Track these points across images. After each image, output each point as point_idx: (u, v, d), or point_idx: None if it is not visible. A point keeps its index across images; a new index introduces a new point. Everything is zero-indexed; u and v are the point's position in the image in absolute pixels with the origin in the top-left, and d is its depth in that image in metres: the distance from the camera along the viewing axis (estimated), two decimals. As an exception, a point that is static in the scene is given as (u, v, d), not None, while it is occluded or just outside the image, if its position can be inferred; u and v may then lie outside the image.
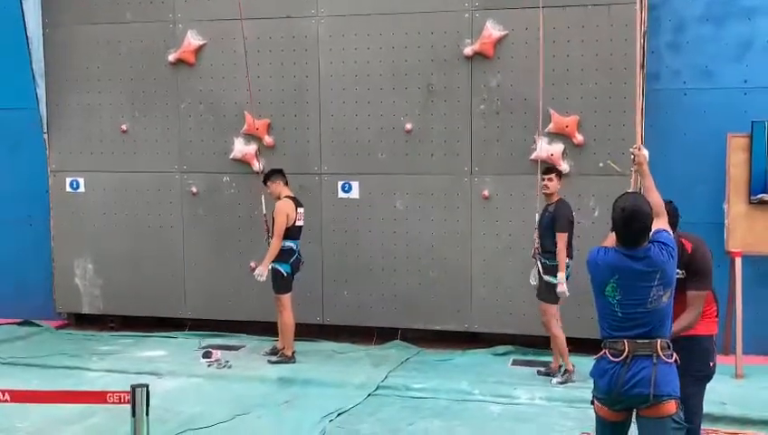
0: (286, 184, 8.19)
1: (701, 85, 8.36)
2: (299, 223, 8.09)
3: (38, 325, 9.76)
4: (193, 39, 9.09)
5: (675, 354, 4.27)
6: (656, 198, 4.52)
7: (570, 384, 7.32)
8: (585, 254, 4.57)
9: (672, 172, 7.94)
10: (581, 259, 4.95)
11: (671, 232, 4.43)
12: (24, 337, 9.33)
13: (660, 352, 4.18)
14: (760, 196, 7.94)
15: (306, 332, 8.97)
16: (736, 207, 8.04)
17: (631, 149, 4.89)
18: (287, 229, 7.97)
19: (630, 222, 4.23)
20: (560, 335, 7.44)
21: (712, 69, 8.35)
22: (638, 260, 4.22)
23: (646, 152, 4.82)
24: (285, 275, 8.06)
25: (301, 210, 8.12)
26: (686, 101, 8.40)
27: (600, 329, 4.40)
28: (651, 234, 4.31)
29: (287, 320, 8.12)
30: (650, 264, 4.20)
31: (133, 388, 4.18)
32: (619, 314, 4.24)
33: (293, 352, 8.18)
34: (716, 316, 5.14)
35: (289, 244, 8.02)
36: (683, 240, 4.96)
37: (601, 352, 4.33)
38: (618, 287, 4.23)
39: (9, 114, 9.89)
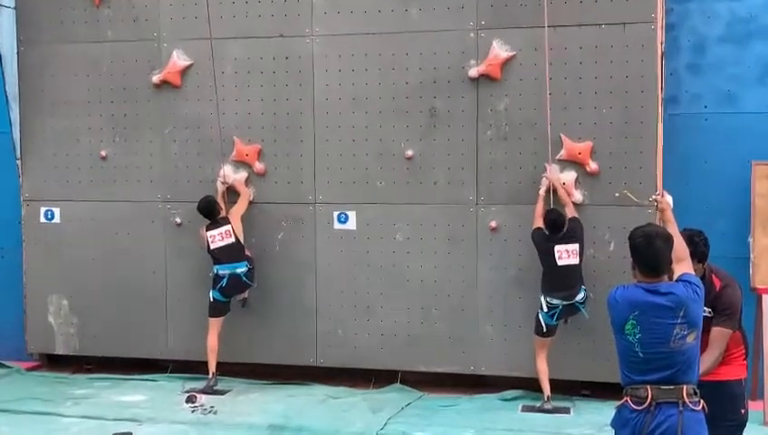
0: (205, 217, 8.48)
1: (723, 110, 8.17)
2: (212, 245, 8.37)
3: (7, 367, 9.42)
4: (179, 59, 8.82)
5: (702, 401, 4.19)
6: (679, 243, 4.38)
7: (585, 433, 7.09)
8: (601, 290, 4.53)
9: (692, 203, 7.73)
10: (599, 296, 4.90)
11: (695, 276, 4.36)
12: (-8, 379, 9.02)
13: (687, 399, 4.10)
14: (788, 228, 7.71)
15: (299, 374, 8.75)
16: (763, 240, 7.74)
17: (653, 196, 4.91)
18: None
19: (652, 240, 4.19)
20: None
21: (734, 92, 8.16)
22: (661, 295, 4.14)
23: (669, 198, 4.81)
24: (212, 300, 8.44)
25: (209, 233, 8.37)
26: (706, 126, 8.19)
27: (620, 375, 4.31)
28: (675, 277, 4.20)
29: (208, 341, 8.47)
30: (674, 300, 4.12)
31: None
32: (641, 355, 4.15)
33: (213, 373, 8.45)
34: (745, 359, 5.10)
35: (214, 269, 8.41)
36: (713, 276, 4.90)
37: (622, 401, 4.25)
38: (638, 324, 4.15)
39: (-20, 139, 9.60)
